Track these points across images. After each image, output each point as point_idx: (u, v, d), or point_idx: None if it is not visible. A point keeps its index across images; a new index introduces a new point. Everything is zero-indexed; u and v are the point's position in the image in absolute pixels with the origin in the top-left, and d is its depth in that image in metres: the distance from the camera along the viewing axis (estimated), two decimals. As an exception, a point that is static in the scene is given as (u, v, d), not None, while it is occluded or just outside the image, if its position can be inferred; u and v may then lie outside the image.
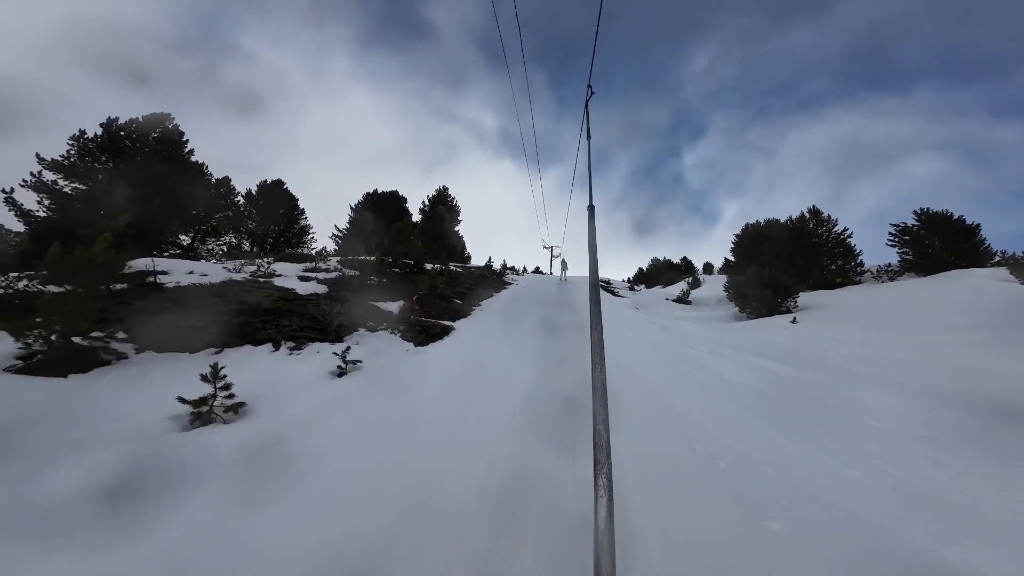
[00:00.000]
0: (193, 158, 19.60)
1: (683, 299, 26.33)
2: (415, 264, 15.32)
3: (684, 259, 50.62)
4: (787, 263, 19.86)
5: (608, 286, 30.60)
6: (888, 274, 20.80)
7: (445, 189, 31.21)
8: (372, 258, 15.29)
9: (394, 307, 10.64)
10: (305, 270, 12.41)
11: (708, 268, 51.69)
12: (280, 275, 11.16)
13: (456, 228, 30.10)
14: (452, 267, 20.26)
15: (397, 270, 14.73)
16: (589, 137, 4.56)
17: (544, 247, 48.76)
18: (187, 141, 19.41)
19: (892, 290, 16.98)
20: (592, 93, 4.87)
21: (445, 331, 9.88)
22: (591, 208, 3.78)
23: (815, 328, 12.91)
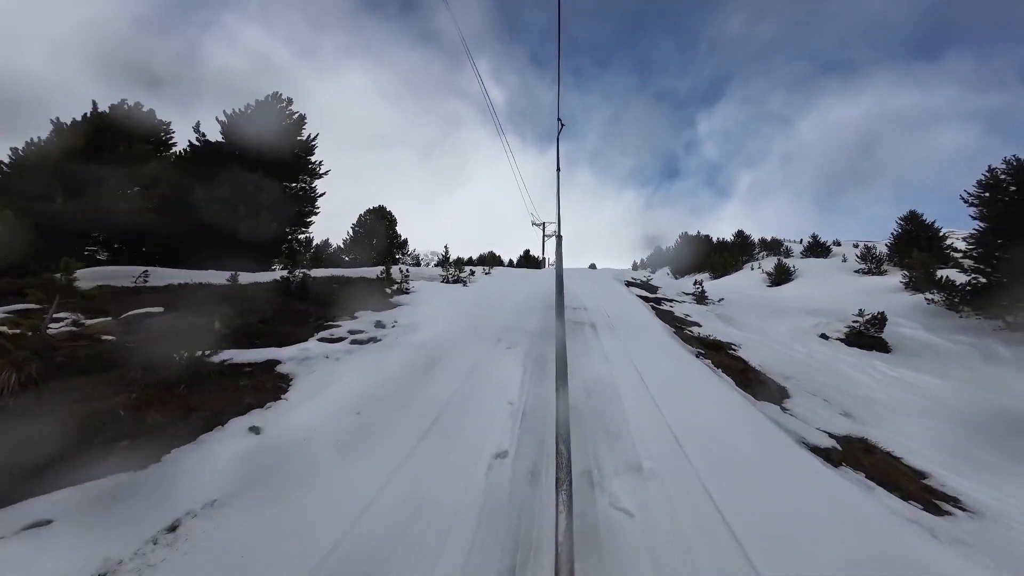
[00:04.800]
0: None
1: (871, 337, 10.28)
2: None
3: (739, 234, 34.39)
4: None
5: (657, 303, 14.57)
6: None
7: (278, 95, 14.59)
8: None
9: None
10: None
11: (772, 245, 35.34)
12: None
13: (313, 189, 13.78)
14: None
15: None
16: (559, 169, 5.44)
17: (534, 224, 32.58)
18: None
19: None
20: (563, 126, 5.70)
21: None
22: (559, 237, 5.04)
23: None
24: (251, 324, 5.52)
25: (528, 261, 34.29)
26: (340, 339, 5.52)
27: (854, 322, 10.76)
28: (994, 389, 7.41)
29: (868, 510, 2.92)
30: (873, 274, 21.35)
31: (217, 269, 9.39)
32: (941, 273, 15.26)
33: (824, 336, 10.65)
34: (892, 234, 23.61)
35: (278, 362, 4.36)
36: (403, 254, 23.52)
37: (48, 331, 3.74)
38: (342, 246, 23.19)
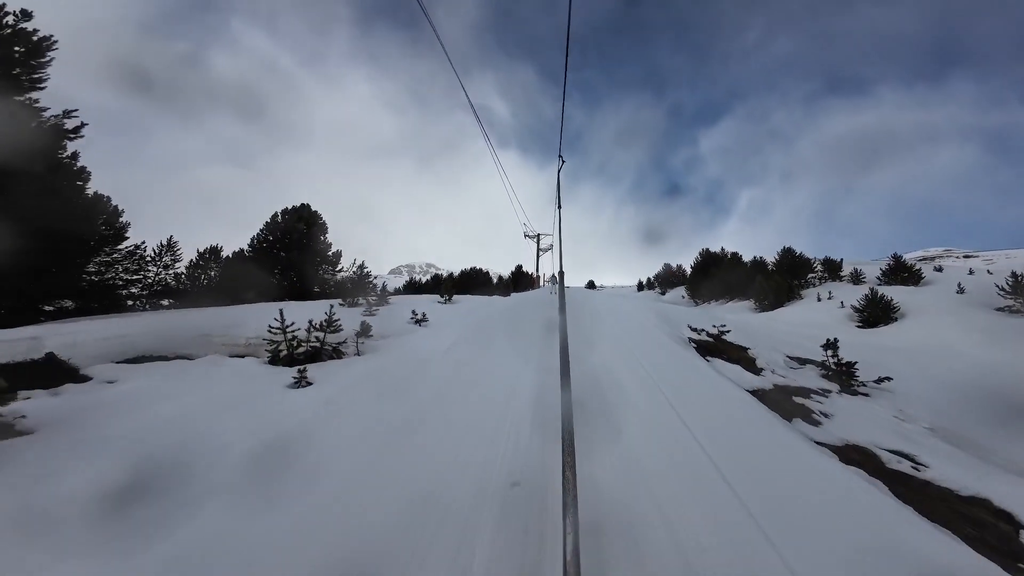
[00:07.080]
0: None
1: None
2: None
3: (787, 251, 27.25)
4: None
5: (804, 414, 7.10)
6: None
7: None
8: None
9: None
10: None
11: (831, 267, 27.64)
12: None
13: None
14: None
15: None
16: (560, 207, 5.48)
17: (527, 235, 25.71)
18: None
19: None
20: (563, 162, 5.38)
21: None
22: (560, 273, 5.02)
23: None
24: None
25: (519, 281, 26.94)
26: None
27: None
28: None
29: None
30: (1041, 317, 13.93)
31: None
32: None
33: None
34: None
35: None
36: (333, 272, 16.07)
37: None
38: (245, 256, 15.73)
